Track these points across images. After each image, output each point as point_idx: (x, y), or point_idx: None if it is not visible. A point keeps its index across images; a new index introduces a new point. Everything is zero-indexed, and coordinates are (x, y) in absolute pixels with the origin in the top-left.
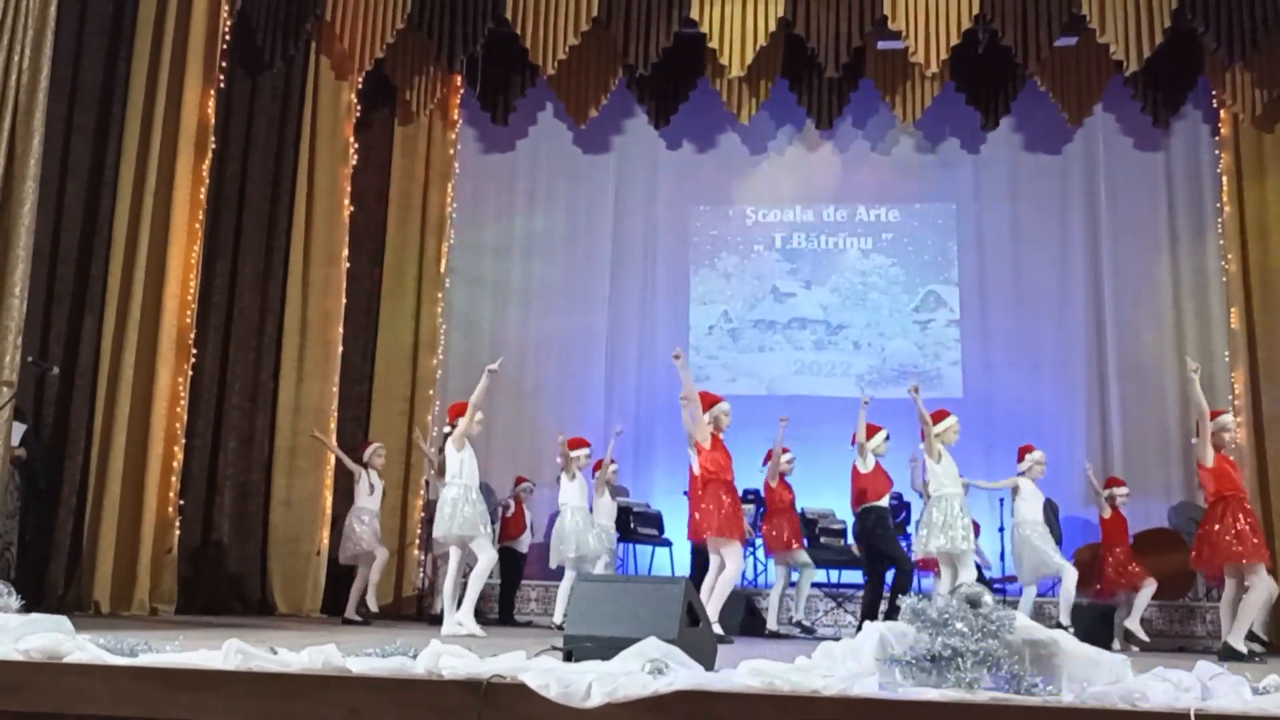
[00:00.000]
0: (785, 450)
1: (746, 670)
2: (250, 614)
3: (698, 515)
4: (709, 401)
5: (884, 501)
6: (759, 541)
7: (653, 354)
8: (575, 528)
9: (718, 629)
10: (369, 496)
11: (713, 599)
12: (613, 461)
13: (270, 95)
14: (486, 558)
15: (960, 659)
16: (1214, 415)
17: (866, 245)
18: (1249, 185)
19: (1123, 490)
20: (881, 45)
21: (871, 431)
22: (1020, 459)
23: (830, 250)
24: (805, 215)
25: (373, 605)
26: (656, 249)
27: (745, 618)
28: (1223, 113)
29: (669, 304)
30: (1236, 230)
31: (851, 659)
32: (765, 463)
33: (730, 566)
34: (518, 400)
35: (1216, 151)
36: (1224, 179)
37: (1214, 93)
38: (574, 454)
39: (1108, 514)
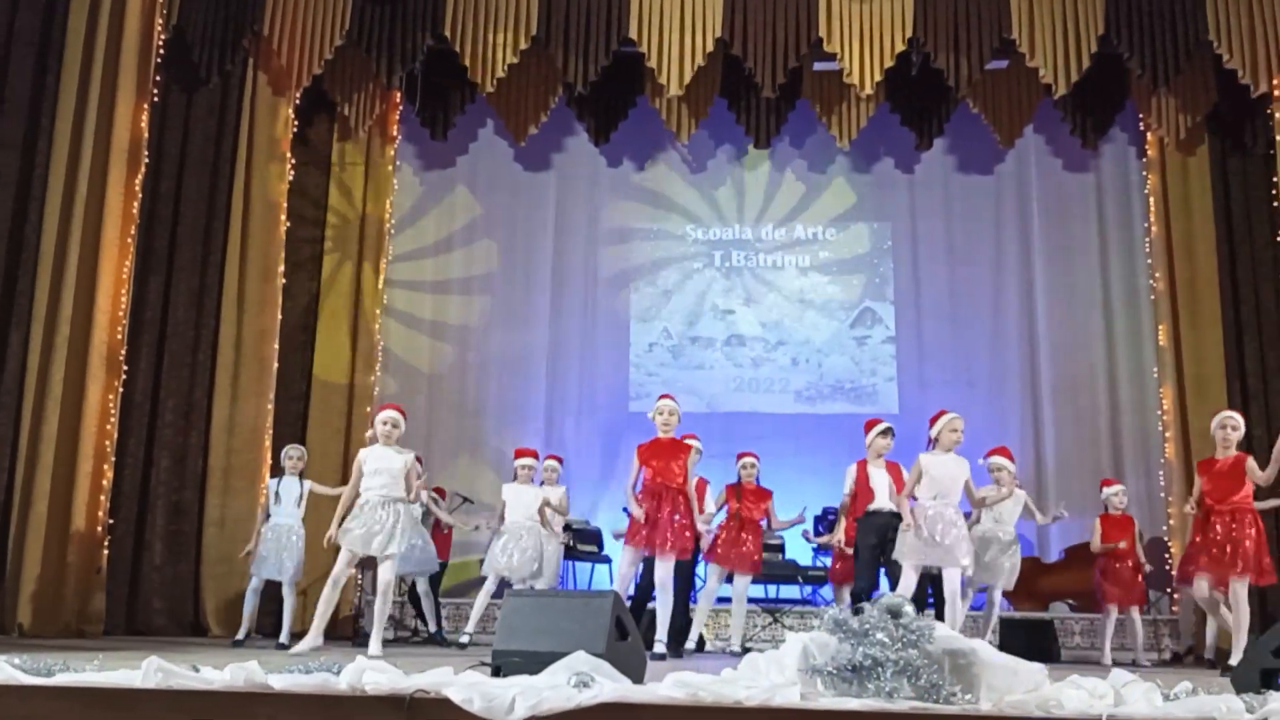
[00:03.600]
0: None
1: (671, 682)
2: (183, 635)
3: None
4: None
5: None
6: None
7: (593, 371)
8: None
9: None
10: (295, 509)
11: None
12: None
13: (206, 110)
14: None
15: (881, 669)
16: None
17: (804, 263)
18: (1174, 206)
19: (1114, 490)
20: (818, 66)
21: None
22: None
23: (768, 268)
24: (744, 233)
25: (284, 635)
26: (597, 266)
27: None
28: (1149, 135)
29: (609, 321)
30: (1164, 249)
31: (775, 670)
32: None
33: (658, 582)
34: (458, 418)
35: (1144, 173)
36: (1151, 200)
37: (1140, 116)
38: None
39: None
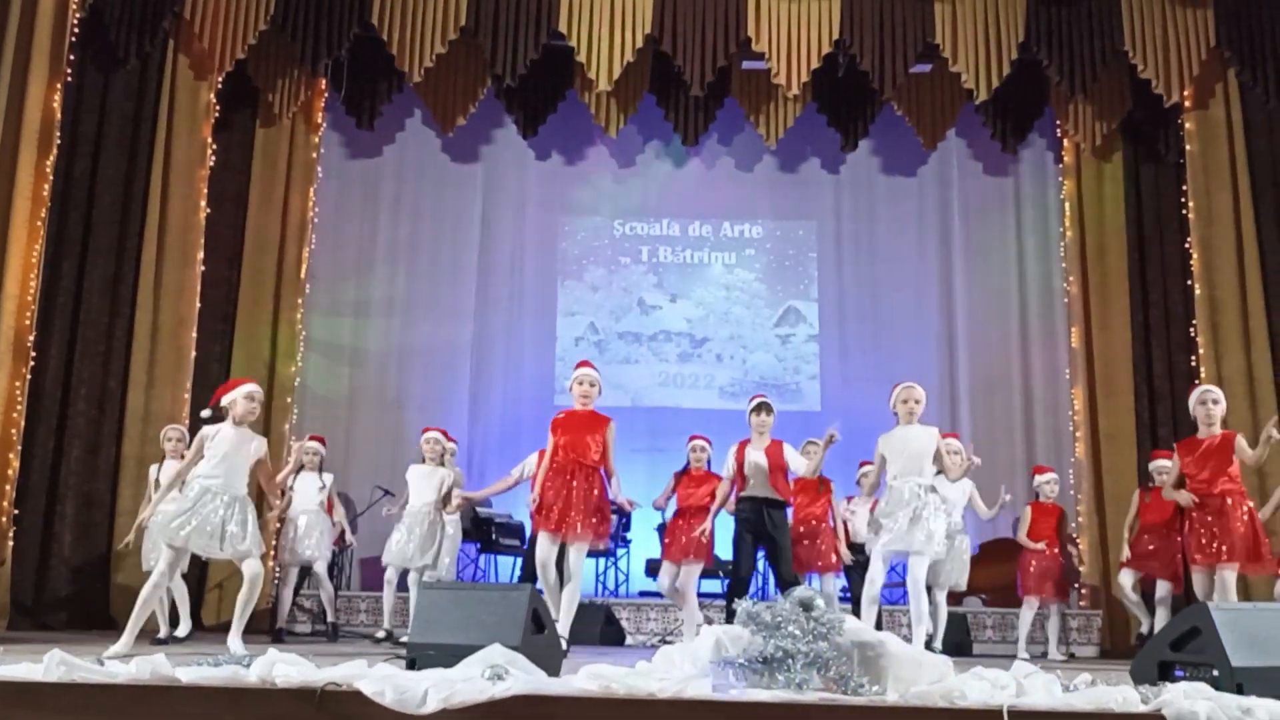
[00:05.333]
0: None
1: (585, 675)
2: (92, 629)
3: None
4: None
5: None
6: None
7: (519, 365)
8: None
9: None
10: (176, 492)
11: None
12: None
13: (124, 92)
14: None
15: (791, 660)
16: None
17: (730, 260)
18: (1089, 211)
19: (1046, 478)
20: (746, 65)
21: None
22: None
23: (695, 264)
24: (671, 229)
25: (182, 628)
26: (524, 259)
27: (603, 627)
28: (1066, 142)
29: (536, 315)
30: (1077, 254)
31: (689, 662)
32: None
33: (572, 569)
34: (379, 410)
35: (1060, 178)
36: (1066, 204)
37: (1058, 123)
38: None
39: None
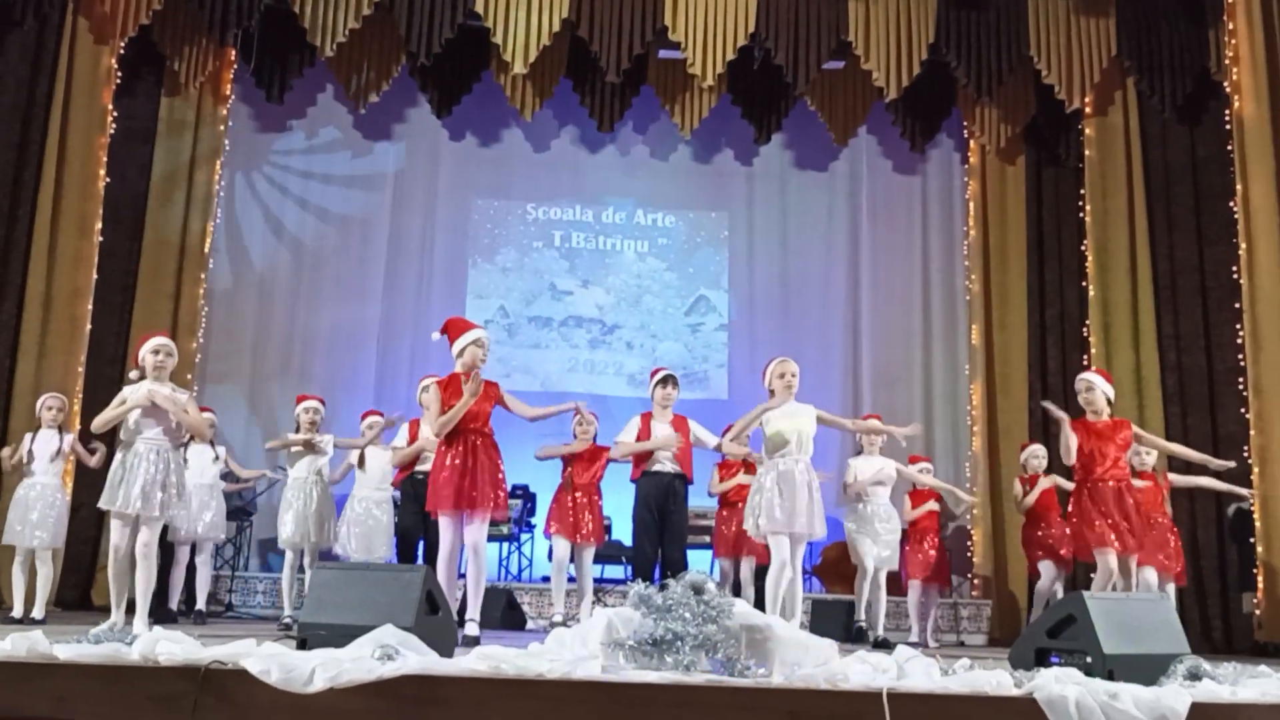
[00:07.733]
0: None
1: (475, 655)
2: None
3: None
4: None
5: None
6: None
7: (426, 347)
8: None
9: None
10: (50, 465)
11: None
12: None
13: (19, 54)
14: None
15: (680, 642)
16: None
17: (643, 248)
18: (992, 212)
19: (918, 466)
20: (662, 54)
21: None
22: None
23: (608, 251)
24: (585, 215)
25: (38, 610)
26: (434, 240)
27: (505, 611)
28: (972, 143)
29: (445, 297)
30: (980, 253)
31: (580, 644)
32: None
33: (472, 547)
34: (282, 389)
35: (965, 179)
36: (970, 205)
37: (965, 124)
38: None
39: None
